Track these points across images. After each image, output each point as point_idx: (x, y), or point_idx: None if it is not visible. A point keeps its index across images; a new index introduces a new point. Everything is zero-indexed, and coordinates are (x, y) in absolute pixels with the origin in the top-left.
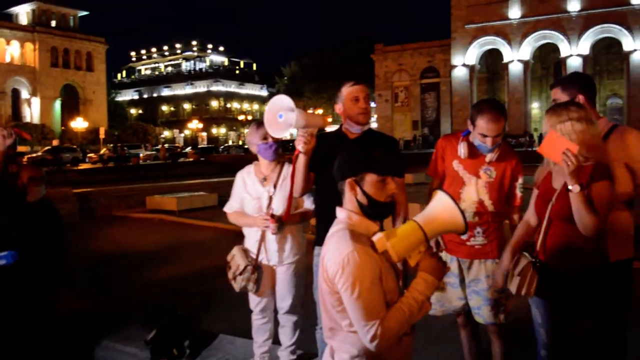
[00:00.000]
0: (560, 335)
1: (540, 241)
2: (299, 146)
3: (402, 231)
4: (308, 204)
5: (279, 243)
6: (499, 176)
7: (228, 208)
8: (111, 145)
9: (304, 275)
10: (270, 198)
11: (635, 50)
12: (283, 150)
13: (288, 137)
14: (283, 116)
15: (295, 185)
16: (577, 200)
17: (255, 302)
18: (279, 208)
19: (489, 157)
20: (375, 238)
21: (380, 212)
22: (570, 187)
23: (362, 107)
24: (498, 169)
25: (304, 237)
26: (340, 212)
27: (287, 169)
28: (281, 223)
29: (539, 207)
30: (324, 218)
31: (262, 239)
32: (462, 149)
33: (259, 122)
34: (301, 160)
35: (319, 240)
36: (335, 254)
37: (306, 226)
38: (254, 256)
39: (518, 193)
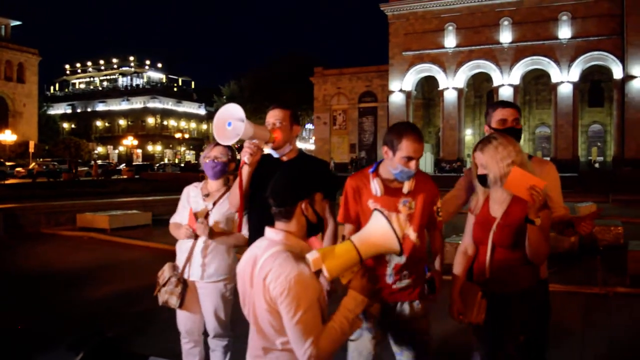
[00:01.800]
0: (496, 355)
1: (487, 268)
2: (245, 157)
3: (338, 251)
4: (244, 230)
5: (203, 258)
6: (419, 206)
7: (172, 219)
8: (46, 159)
9: (232, 298)
10: (207, 213)
11: (562, 82)
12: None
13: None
14: (232, 124)
15: (233, 197)
16: (537, 232)
17: (181, 322)
18: (212, 225)
19: (406, 187)
20: (310, 257)
21: (319, 229)
22: (533, 219)
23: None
24: (417, 199)
25: (235, 260)
26: (274, 234)
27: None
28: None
29: (477, 235)
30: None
31: (190, 252)
32: (377, 186)
33: (214, 142)
34: (245, 172)
35: None
36: (282, 276)
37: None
38: (181, 270)
39: (438, 217)
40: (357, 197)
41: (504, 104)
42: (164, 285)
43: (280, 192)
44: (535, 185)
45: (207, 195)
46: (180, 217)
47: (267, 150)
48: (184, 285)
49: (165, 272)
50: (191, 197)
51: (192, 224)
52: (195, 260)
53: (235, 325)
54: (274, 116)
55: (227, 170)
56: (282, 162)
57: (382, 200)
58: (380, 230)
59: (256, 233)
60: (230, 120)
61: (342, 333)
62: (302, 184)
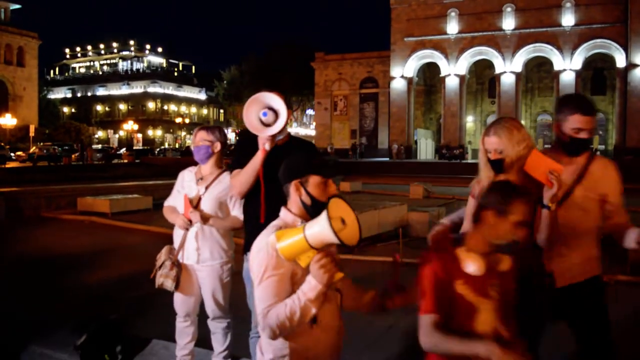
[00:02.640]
0: None
1: None
2: (266, 145)
3: (289, 235)
4: (237, 213)
5: (198, 242)
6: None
7: (166, 202)
8: (47, 143)
9: (230, 280)
10: (200, 197)
11: (564, 69)
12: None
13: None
14: (268, 115)
15: (242, 183)
16: (550, 217)
17: (178, 304)
18: (205, 207)
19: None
20: (270, 237)
21: (322, 211)
22: (549, 204)
23: None
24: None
25: (232, 244)
26: (281, 211)
27: (225, 175)
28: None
29: None
30: (252, 224)
31: (184, 236)
32: (472, 265)
33: (199, 127)
34: (260, 159)
35: (248, 246)
36: (255, 246)
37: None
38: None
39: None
40: (449, 280)
41: (585, 108)
42: (159, 268)
43: (280, 174)
44: (555, 170)
45: (200, 179)
46: (174, 201)
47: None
48: (179, 268)
49: (162, 255)
50: (185, 182)
51: (187, 211)
52: (190, 245)
53: (234, 308)
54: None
55: (212, 153)
56: (277, 146)
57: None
58: (322, 224)
59: (255, 215)
60: (266, 111)
61: (291, 312)
62: (294, 166)
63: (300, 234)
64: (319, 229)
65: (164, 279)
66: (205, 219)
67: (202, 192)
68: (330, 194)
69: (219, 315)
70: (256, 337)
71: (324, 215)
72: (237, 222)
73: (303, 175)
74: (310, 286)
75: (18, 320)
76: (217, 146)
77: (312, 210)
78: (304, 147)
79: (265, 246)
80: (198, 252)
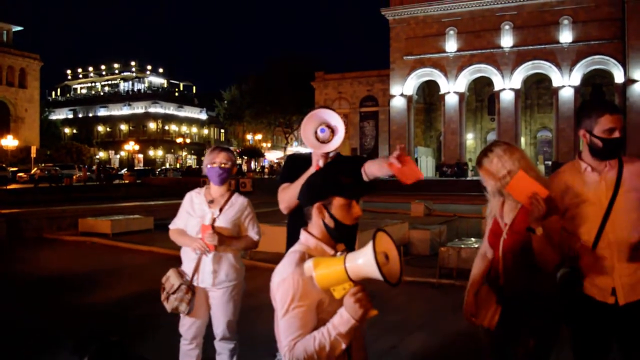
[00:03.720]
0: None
1: (500, 273)
2: (320, 161)
3: (330, 263)
4: (252, 234)
5: (214, 265)
6: None
7: (172, 225)
8: (48, 164)
9: (240, 302)
10: (214, 220)
11: (563, 86)
12: (230, 177)
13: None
14: (325, 131)
15: (295, 198)
16: (539, 241)
17: (185, 326)
18: (221, 230)
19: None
20: (307, 262)
21: (346, 234)
22: (534, 229)
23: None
24: None
25: (242, 264)
26: (301, 234)
27: (236, 197)
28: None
29: (491, 240)
30: (296, 240)
31: (199, 260)
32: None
33: (215, 147)
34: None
35: None
36: (278, 273)
37: (245, 253)
38: (189, 277)
39: None
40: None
41: (611, 107)
42: (174, 292)
43: (300, 196)
44: (537, 193)
45: (211, 201)
46: (182, 223)
47: (304, 149)
48: (193, 292)
49: (170, 278)
50: (195, 204)
51: (204, 236)
52: (206, 268)
53: (239, 328)
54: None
55: (230, 176)
56: (328, 163)
57: None
58: (369, 263)
59: (294, 234)
60: (324, 127)
61: (320, 346)
62: (315, 187)
63: (340, 265)
64: (363, 263)
65: (178, 302)
66: (221, 240)
67: (216, 215)
68: (355, 215)
69: (227, 336)
70: None
71: (370, 249)
72: (251, 243)
73: (325, 196)
74: (342, 320)
75: (19, 341)
76: (234, 170)
77: (336, 234)
78: (356, 161)
79: (291, 275)
80: (214, 275)
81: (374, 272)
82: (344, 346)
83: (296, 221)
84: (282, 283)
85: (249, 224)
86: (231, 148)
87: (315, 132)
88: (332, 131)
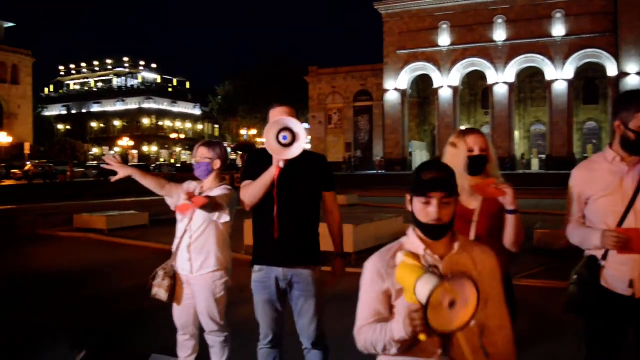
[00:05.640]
0: None
1: None
2: (281, 162)
3: (412, 269)
4: (217, 191)
5: (191, 253)
6: None
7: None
8: (42, 160)
9: (225, 295)
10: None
11: (557, 79)
12: (225, 170)
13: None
14: (287, 138)
15: (256, 196)
16: (516, 221)
17: (175, 316)
18: (200, 213)
19: None
20: (400, 253)
21: (424, 231)
22: (514, 208)
23: None
24: None
25: (230, 255)
26: (409, 228)
27: (222, 187)
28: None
29: (459, 227)
30: (263, 239)
31: (178, 246)
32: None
33: (200, 143)
34: (273, 174)
35: (256, 259)
36: (372, 260)
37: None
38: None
39: None
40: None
41: None
42: (153, 278)
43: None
44: (490, 182)
45: (200, 194)
46: (175, 188)
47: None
48: (172, 279)
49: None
50: (185, 189)
51: (184, 204)
52: (182, 255)
53: (241, 319)
54: (282, 112)
55: (212, 169)
56: (290, 160)
57: None
58: (425, 289)
59: (267, 230)
60: (286, 134)
61: (375, 342)
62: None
63: (414, 277)
64: (419, 290)
65: (157, 289)
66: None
67: (197, 193)
68: (431, 215)
69: (214, 329)
70: (266, 348)
71: (428, 289)
72: (225, 198)
73: (411, 192)
74: (398, 327)
75: (16, 336)
76: (217, 164)
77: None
78: (318, 159)
79: (371, 261)
80: (190, 263)
81: (421, 302)
82: (393, 351)
83: (261, 219)
84: (364, 268)
85: (217, 191)
86: (225, 143)
87: (277, 138)
88: (294, 137)
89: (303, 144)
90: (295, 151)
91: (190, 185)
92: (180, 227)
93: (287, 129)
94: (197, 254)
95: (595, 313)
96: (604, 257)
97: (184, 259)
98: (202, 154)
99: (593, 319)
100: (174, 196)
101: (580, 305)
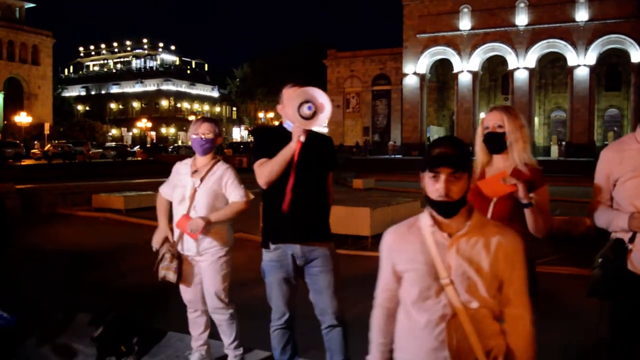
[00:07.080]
0: None
1: None
2: (302, 137)
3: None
4: (237, 198)
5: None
6: None
7: (161, 189)
8: (61, 141)
9: (228, 272)
10: (195, 190)
11: (578, 65)
12: (220, 151)
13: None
14: (312, 108)
15: (276, 172)
16: (534, 213)
17: (184, 295)
18: (201, 200)
19: None
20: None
21: (434, 208)
22: (529, 202)
23: None
24: None
25: (232, 233)
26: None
27: (218, 165)
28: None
29: (478, 205)
30: (273, 213)
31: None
32: None
33: (199, 118)
34: (293, 149)
35: (267, 236)
36: (392, 231)
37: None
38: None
39: None
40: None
41: None
42: (160, 261)
43: None
44: (502, 176)
45: (195, 171)
46: (169, 190)
47: (287, 125)
48: (179, 260)
49: (163, 248)
50: (181, 175)
51: (182, 225)
52: (188, 236)
53: (255, 300)
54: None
55: (214, 146)
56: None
57: None
58: None
59: (277, 204)
60: (311, 105)
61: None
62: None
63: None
64: None
65: (165, 271)
66: (206, 221)
67: (197, 185)
68: (439, 192)
69: (218, 306)
70: (280, 328)
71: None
72: (237, 207)
73: (422, 168)
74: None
75: (34, 312)
76: (219, 140)
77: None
78: (324, 138)
79: (387, 233)
80: (197, 243)
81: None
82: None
83: (271, 195)
84: (389, 239)
85: (231, 187)
86: (242, 126)
87: (299, 109)
88: (316, 109)
89: (328, 114)
90: (321, 121)
91: (181, 169)
92: (179, 209)
93: (312, 100)
94: (203, 235)
95: (621, 296)
96: (632, 239)
97: (189, 240)
98: (208, 129)
99: (618, 302)
100: (175, 188)
101: (605, 289)
